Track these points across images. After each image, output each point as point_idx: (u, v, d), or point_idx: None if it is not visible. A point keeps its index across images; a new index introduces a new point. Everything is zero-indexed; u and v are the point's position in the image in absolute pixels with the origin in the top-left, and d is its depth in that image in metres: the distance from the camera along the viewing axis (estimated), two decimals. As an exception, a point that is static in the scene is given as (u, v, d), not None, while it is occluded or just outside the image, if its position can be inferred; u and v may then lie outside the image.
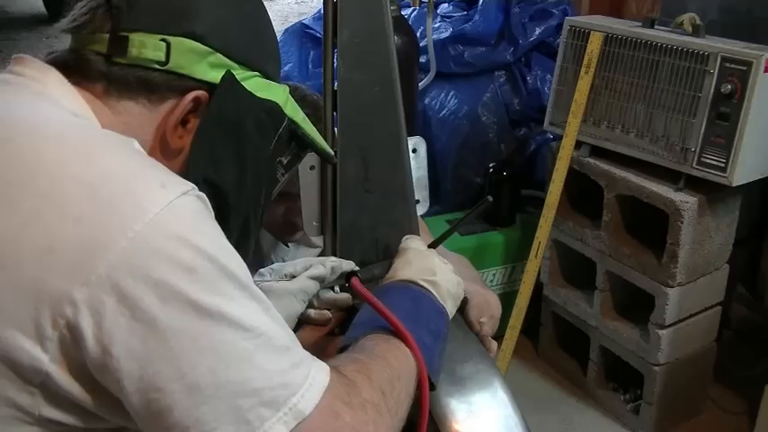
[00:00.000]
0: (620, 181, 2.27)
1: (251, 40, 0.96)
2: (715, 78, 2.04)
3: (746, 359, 2.60)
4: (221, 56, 0.91)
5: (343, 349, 0.95)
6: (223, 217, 0.89)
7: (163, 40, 0.87)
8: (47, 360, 0.71)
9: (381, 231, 1.16)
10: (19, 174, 0.75)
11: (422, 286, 1.05)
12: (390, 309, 0.96)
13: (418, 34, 2.80)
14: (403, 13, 2.97)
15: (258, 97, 0.94)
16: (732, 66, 2.01)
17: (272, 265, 1.15)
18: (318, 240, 1.19)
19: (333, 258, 1.14)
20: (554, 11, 3.00)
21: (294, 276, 1.12)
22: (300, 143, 1.03)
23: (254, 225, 0.98)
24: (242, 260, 0.80)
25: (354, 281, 1.07)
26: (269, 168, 1.00)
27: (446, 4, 3.24)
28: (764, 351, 2.61)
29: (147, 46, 0.87)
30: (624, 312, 2.43)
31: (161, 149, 0.91)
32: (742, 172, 2.05)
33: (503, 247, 2.74)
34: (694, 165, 2.10)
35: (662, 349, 2.26)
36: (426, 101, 2.91)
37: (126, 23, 0.87)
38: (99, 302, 0.70)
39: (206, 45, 0.89)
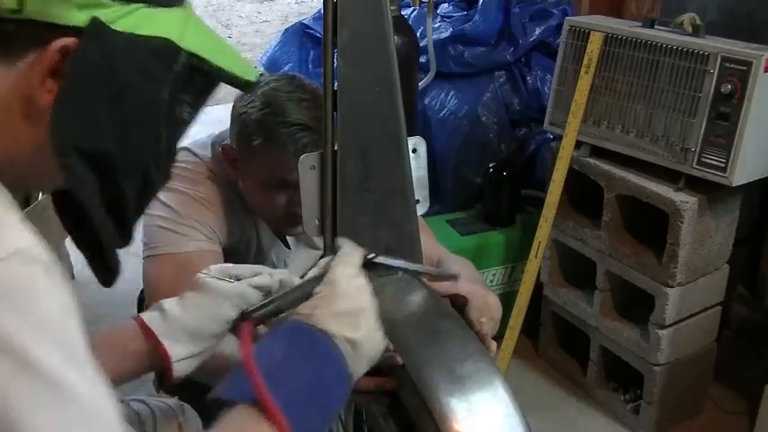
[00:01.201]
0: (620, 181, 2.27)
1: None
2: (715, 78, 2.04)
3: (746, 359, 2.60)
4: None
5: (214, 402, 0.82)
6: (111, 182, 0.82)
7: None
8: None
9: (381, 231, 1.16)
10: None
11: (335, 345, 0.87)
12: (284, 368, 0.83)
13: (418, 34, 2.79)
14: (403, 12, 2.97)
15: (140, 37, 0.81)
16: (732, 66, 2.01)
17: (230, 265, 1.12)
18: (320, 241, 1.15)
19: (282, 271, 1.08)
20: (554, 11, 3.00)
21: (238, 280, 1.07)
22: (205, 75, 0.89)
23: (156, 179, 0.89)
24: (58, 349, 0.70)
25: (244, 327, 0.88)
26: (168, 113, 0.87)
27: (446, 4, 3.24)
28: (764, 351, 2.61)
29: None
30: (624, 312, 2.43)
31: (24, 113, 0.79)
32: (742, 172, 2.05)
33: (503, 247, 2.74)
34: (694, 165, 2.10)
35: (662, 349, 2.26)
36: (426, 101, 2.91)
37: None
38: None
39: None
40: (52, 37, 0.76)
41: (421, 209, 1.23)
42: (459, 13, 3.10)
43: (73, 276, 3.08)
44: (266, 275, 1.07)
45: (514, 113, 2.99)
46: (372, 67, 1.10)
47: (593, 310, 2.45)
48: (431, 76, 2.86)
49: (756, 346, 2.66)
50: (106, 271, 0.89)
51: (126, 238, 0.88)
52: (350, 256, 0.98)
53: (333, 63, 1.11)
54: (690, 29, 2.15)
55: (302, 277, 1.03)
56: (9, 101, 0.78)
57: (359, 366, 0.90)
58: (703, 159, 2.09)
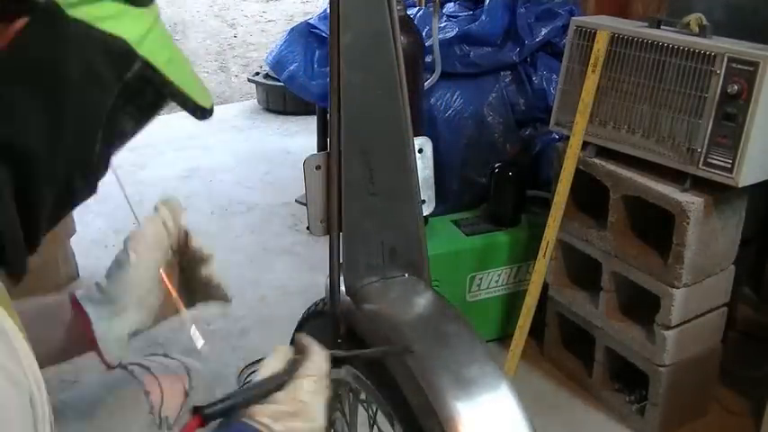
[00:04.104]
0: (626, 181, 2.26)
1: None
2: (721, 79, 2.03)
3: (752, 360, 2.60)
4: None
5: None
6: (27, 183, 0.74)
7: None
8: None
9: (387, 234, 1.15)
10: None
11: None
12: None
13: (424, 34, 2.79)
14: (408, 12, 2.97)
15: (97, 31, 0.73)
16: (738, 66, 2.00)
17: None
18: None
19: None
20: (560, 11, 3.00)
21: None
22: (157, 90, 0.81)
23: (82, 188, 0.82)
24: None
25: (191, 424, 0.87)
26: (108, 121, 0.78)
27: (452, 4, 3.25)
28: (770, 352, 2.60)
29: None
30: (629, 313, 2.43)
31: None
32: (748, 173, 2.05)
33: (508, 247, 2.74)
34: (700, 165, 2.10)
35: (667, 350, 2.26)
36: (432, 101, 2.91)
37: None
38: None
39: None
40: (18, 9, 0.69)
41: (427, 209, 1.23)
42: (465, 13, 3.10)
43: (78, 275, 3.09)
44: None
45: (520, 114, 2.99)
46: (376, 68, 1.10)
47: (599, 311, 2.44)
48: (436, 75, 2.85)
49: (762, 348, 2.66)
50: (12, 271, 0.80)
51: (33, 244, 0.80)
52: (317, 366, 0.95)
53: (339, 62, 1.11)
54: (696, 29, 2.14)
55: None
56: None
57: None
58: (709, 160, 2.08)
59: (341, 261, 1.17)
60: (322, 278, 1.24)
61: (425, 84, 2.80)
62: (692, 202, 2.12)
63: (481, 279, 2.72)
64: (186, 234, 1.15)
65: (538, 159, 2.99)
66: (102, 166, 0.83)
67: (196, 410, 0.89)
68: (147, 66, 0.78)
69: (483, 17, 2.94)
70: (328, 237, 1.16)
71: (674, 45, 2.12)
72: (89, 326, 1.05)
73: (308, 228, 1.17)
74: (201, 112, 0.86)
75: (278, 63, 3.40)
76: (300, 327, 1.46)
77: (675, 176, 2.18)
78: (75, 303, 1.07)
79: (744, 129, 2.01)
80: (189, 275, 1.18)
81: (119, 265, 1.07)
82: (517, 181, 2.77)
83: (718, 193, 2.15)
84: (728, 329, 2.48)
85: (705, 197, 2.14)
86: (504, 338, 2.72)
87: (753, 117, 1.99)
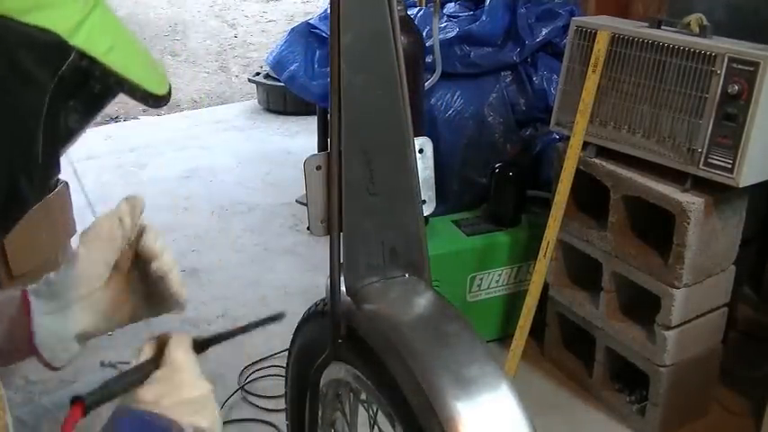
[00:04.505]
0: (627, 182, 2.27)
1: None
2: (722, 79, 2.03)
3: (752, 360, 2.60)
4: None
5: None
6: None
7: None
8: None
9: (387, 234, 1.15)
10: None
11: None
12: None
13: (424, 34, 2.79)
14: (409, 12, 2.97)
15: (20, 25, 0.66)
16: (739, 66, 2.00)
17: None
18: None
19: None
20: (560, 11, 3.00)
21: None
22: (102, 81, 0.75)
23: (28, 192, 0.76)
24: None
25: (72, 414, 0.84)
26: (48, 122, 0.73)
27: (452, 4, 3.25)
28: (771, 353, 2.60)
29: None
30: (630, 313, 2.43)
31: None
32: (749, 173, 2.05)
33: (508, 247, 2.74)
34: (701, 166, 2.10)
35: (668, 350, 2.26)
36: (432, 101, 2.91)
37: None
38: None
39: None
40: None
41: (427, 209, 1.23)
42: (466, 13, 3.11)
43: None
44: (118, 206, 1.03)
45: (520, 114, 2.99)
46: (376, 69, 1.10)
47: (599, 311, 2.44)
48: (437, 76, 2.85)
49: (762, 348, 2.66)
50: None
51: None
52: (183, 340, 0.95)
53: (339, 62, 1.11)
54: (696, 29, 2.14)
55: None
56: None
57: None
58: (710, 160, 2.08)
59: (341, 261, 1.17)
60: (322, 278, 1.24)
61: (426, 84, 2.80)
62: (692, 202, 2.12)
63: (482, 279, 2.72)
64: (143, 230, 1.07)
65: (538, 159, 2.99)
66: (50, 166, 0.77)
67: (76, 399, 0.86)
68: (84, 57, 0.72)
69: (483, 17, 2.94)
70: (329, 237, 1.16)
71: (675, 45, 2.12)
72: (29, 319, 1.00)
73: (308, 228, 1.17)
74: (154, 100, 0.79)
75: (278, 63, 3.40)
76: (301, 327, 1.46)
77: (676, 177, 2.18)
78: (24, 296, 1.02)
79: (744, 129, 2.01)
80: (143, 276, 1.09)
81: (70, 259, 1.03)
82: (517, 181, 2.77)
83: (718, 193, 2.15)
84: (729, 329, 2.48)
85: (705, 197, 2.14)
86: (504, 338, 2.72)
87: (753, 117, 1.99)
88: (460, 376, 0.99)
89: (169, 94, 0.81)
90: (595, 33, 2.30)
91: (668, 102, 2.16)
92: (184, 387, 0.89)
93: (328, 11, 1.09)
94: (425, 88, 2.81)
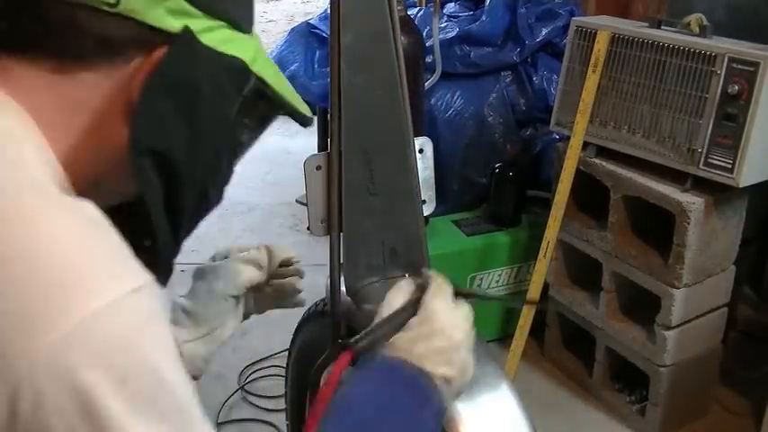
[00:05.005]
0: (627, 182, 2.27)
1: None
2: (722, 79, 2.03)
3: (752, 360, 2.60)
4: (181, 0, 0.78)
5: None
6: (174, 190, 0.82)
7: None
8: None
9: (387, 234, 1.15)
10: None
11: (435, 383, 0.88)
12: (385, 418, 0.85)
13: (424, 34, 2.79)
14: (409, 12, 2.97)
15: (220, 54, 0.82)
16: (739, 66, 2.00)
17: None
18: None
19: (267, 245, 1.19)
20: (560, 11, 3.00)
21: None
22: (269, 103, 0.90)
23: (213, 195, 0.89)
24: (186, 377, 0.70)
25: (343, 358, 0.89)
26: (231, 133, 0.88)
27: (452, 4, 3.25)
28: (770, 353, 2.60)
29: None
30: (630, 313, 2.43)
31: (124, 113, 0.79)
32: (749, 173, 2.05)
33: (508, 247, 2.74)
34: (701, 166, 2.10)
35: (668, 350, 2.26)
36: (432, 101, 2.91)
37: None
38: (13, 407, 0.62)
39: None
40: (153, 41, 0.77)
41: (427, 209, 1.23)
42: (466, 13, 3.11)
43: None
44: (254, 250, 1.16)
45: (520, 114, 2.99)
46: (376, 69, 1.10)
47: (599, 311, 2.44)
48: (437, 76, 2.86)
49: (762, 348, 2.66)
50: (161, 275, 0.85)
51: (176, 251, 0.89)
52: (443, 287, 0.98)
53: (339, 62, 1.11)
54: (696, 29, 2.14)
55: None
56: (112, 101, 0.79)
57: (451, 400, 0.92)
58: (710, 160, 2.08)
59: (341, 261, 1.17)
60: (322, 278, 1.24)
61: (426, 84, 2.80)
62: (692, 202, 2.12)
63: (482, 279, 2.72)
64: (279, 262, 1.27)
65: (538, 159, 2.99)
66: (228, 174, 0.91)
67: (346, 346, 0.90)
68: (260, 81, 0.86)
69: (483, 17, 2.95)
70: (329, 237, 1.16)
71: (675, 45, 2.12)
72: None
73: (308, 228, 1.17)
74: (303, 119, 0.95)
75: (278, 63, 3.39)
76: (301, 327, 1.46)
77: (676, 177, 2.18)
78: None
79: (744, 129, 2.01)
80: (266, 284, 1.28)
81: (209, 291, 1.19)
82: (517, 181, 2.77)
83: (718, 193, 2.15)
84: (729, 330, 2.48)
85: (706, 197, 2.14)
86: (504, 338, 2.72)
87: (753, 117, 1.99)
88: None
89: (312, 116, 0.97)
90: (595, 33, 2.30)
91: (668, 102, 2.16)
92: (436, 336, 0.91)
93: (328, 11, 1.09)
94: (425, 88, 2.81)
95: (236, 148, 0.91)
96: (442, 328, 0.92)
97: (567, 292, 2.59)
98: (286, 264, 1.29)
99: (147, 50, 0.77)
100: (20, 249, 0.64)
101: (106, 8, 0.73)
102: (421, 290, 0.97)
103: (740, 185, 2.06)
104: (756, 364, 2.56)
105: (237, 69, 0.84)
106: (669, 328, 2.24)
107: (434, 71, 2.85)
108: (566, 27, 2.79)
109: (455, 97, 2.93)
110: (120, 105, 0.79)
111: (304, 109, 0.94)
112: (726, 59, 2.02)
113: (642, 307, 2.37)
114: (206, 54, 0.81)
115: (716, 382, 2.51)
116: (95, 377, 0.62)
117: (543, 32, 2.97)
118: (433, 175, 1.24)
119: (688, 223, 2.12)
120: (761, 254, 2.73)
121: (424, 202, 1.20)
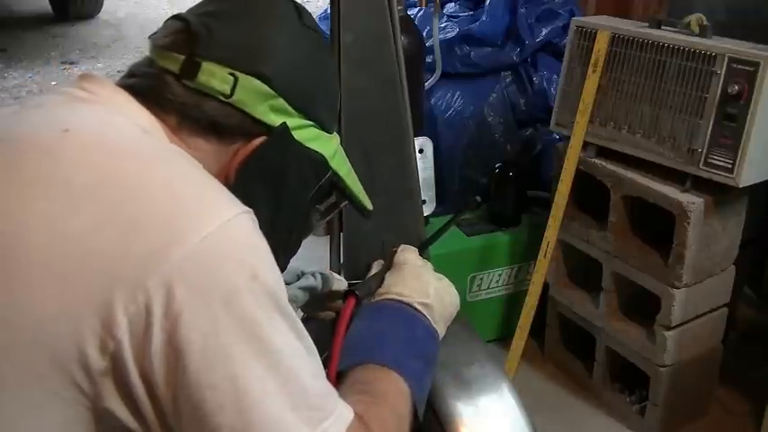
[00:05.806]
0: (627, 182, 2.26)
1: (314, 90, 0.98)
2: (722, 79, 2.03)
3: (753, 360, 2.60)
4: (283, 101, 0.93)
5: (339, 375, 1.01)
6: None
7: (231, 74, 0.90)
8: (113, 347, 0.73)
9: (387, 235, 1.16)
10: (99, 178, 0.79)
11: (417, 309, 1.10)
12: (386, 332, 1.04)
13: (424, 34, 2.79)
14: (409, 12, 2.98)
15: (307, 148, 0.97)
16: (739, 66, 2.00)
17: None
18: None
19: (321, 270, 1.22)
20: (561, 11, 3.00)
21: (287, 284, 1.16)
22: (340, 194, 1.07)
23: (281, 263, 0.98)
24: (283, 284, 0.84)
25: (350, 302, 1.12)
26: (304, 215, 1.03)
27: (452, 4, 3.25)
28: (771, 353, 2.60)
29: (215, 76, 0.90)
30: (630, 313, 2.43)
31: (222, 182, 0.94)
32: (749, 173, 2.05)
33: (508, 247, 2.74)
34: (701, 166, 2.10)
35: (668, 350, 2.26)
36: (432, 101, 2.91)
37: (201, 51, 0.91)
38: (169, 293, 0.74)
39: (271, 87, 0.92)
40: (256, 131, 0.93)
41: (427, 209, 1.24)
42: (466, 13, 3.10)
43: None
44: (310, 276, 1.22)
45: (521, 114, 2.99)
46: (376, 69, 1.10)
47: (599, 311, 2.44)
48: (437, 76, 2.85)
49: (763, 348, 2.66)
50: None
51: None
52: (408, 248, 1.21)
53: (340, 63, 1.11)
54: (697, 29, 2.14)
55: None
56: (215, 172, 0.91)
57: (438, 325, 1.12)
58: (710, 160, 2.08)
59: (341, 261, 1.17)
60: (322, 278, 1.24)
61: (426, 84, 2.80)
62: (692, 202, 2.12)
63: (482, 279, 2.72)
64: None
65: (538, 159, 2.99)
66: (296, 249, 1.05)
67: (350, 293, 1.13)
68: (335, 175, 1.03)
69: (484, 17, 2.94)
70: (329, 237, 1.16)
71: (675, 45, 2.12)
72: None
73: (308, 228, 1.17)
74: (367, 213, 1.11)
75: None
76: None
77: (676, 177, 2.18)
78: None
79: (744, 129, 2.01)
80: None
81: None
82: (518, 181, 2.77)
83: (718, 193, 2.15)
84: (729, 330, 2.48)
85: (706, 197, 2.14)
86: (504, 338, 2.71)
87: (753, 117, 1.99)
88: (460, 376, 0.99)
89: (373, 209, 1.13)
90: (595, 33, 2.30)
91: (668, 102, 2.16)
92: (408, 278, 1.14)
93: (328, 11, 1.09)
94: (425, 88, 2.81)
95: (306, 228, 1.06)
96: (411, 270, 1.15)
97: (567, 292, 2.59)
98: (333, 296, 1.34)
99: (248, 138, 0.93)
100: (174, 178, 0.82)
101: (222, 98, 0.90)
102: (392, 255, 1.20)
103: (740, 185, 2.05)
104: (756, 364, 2.56)
105: (319, 163, 1.00)
106: (669, 328, 2.24)
107: (434, 71, 2.85)
108: (566, 27, 2.78)
109: (455, 97, 2.93)
110: (220, 175, 0.93)
111: (367, 203, 1.11)
112: (726, 59, 2.02)
113: (642, 307, 2.37)
114: (296, 148, 0.96)
115: (716, 382, 2.50)
116: (233, 270, 0.76)
117: (543, 32, 2.96)
118: (433, 174, 1.25)
119: (688, 223, 2.12)
120: (761, 254, 2.73)
121: (424, 201, 1.21)
